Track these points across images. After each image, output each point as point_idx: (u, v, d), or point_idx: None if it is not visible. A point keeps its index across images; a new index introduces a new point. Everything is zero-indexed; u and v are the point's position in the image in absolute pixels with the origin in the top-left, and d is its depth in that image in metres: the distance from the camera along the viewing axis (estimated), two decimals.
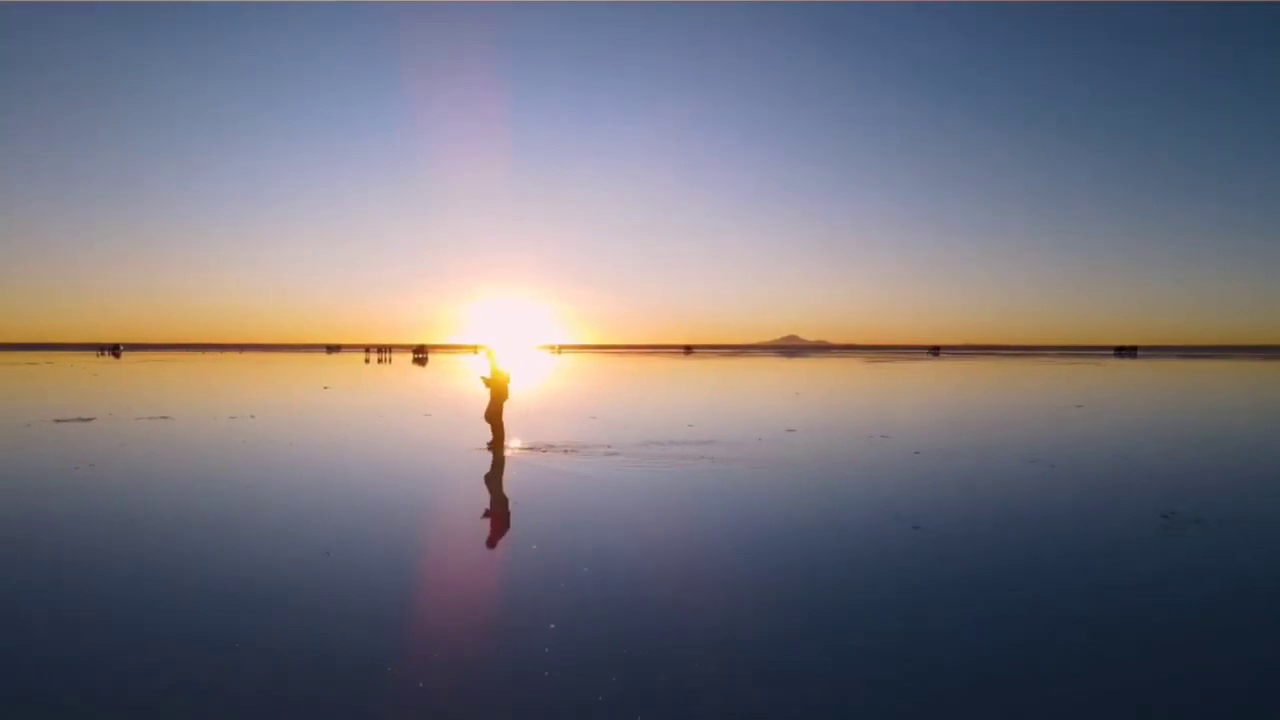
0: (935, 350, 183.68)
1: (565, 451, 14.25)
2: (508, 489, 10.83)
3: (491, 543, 7.95)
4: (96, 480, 11.22)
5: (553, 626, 5.46)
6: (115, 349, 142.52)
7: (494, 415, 14.99)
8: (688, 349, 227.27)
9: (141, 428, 17.70)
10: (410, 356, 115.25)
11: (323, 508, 9.45)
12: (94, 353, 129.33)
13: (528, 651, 5.02)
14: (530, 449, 14.62)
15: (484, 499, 10.19)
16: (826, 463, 13.24)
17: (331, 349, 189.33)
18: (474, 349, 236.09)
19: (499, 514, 9.28)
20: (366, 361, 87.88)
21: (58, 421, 18.83)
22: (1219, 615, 5.78)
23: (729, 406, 25.64)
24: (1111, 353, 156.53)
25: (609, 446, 14.93)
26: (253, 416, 20.43)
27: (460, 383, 42.40)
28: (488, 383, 15.03)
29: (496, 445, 14.72)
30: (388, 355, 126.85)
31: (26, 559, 7.14)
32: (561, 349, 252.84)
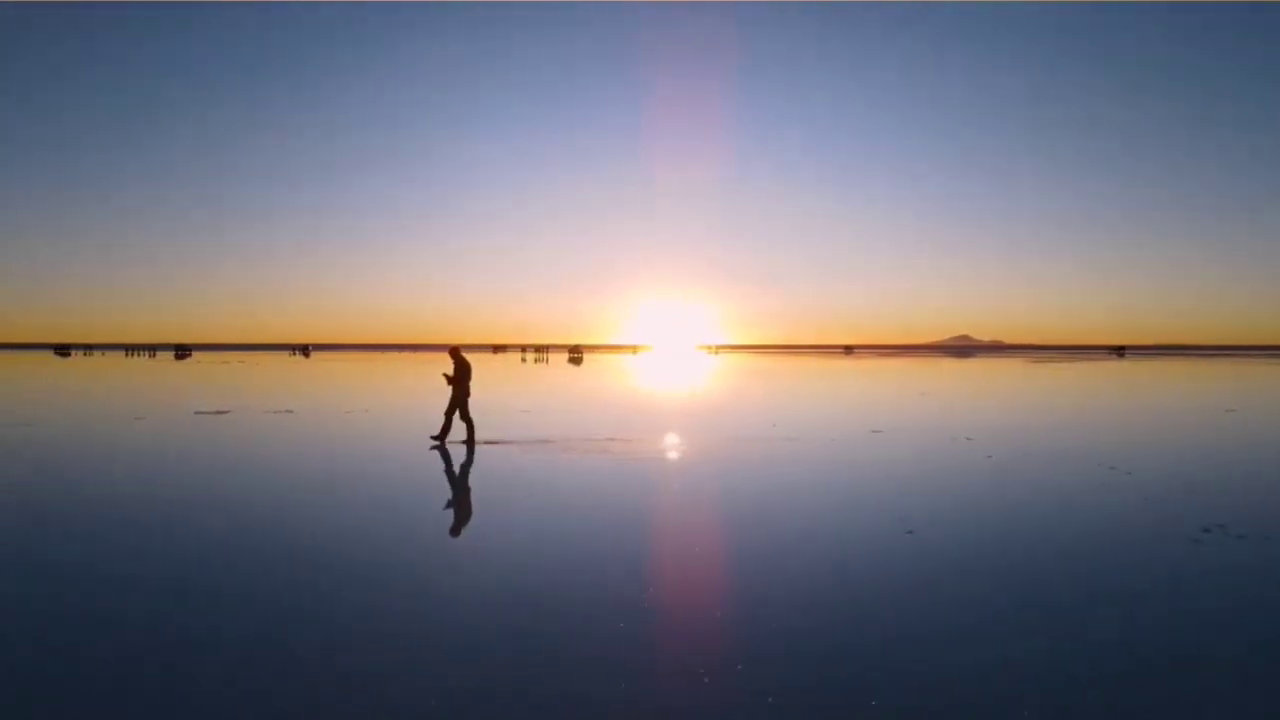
0: (1119, 351, 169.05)
1: (563, 446, 14.50)
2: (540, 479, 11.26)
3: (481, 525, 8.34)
4: (184, 465, 12.83)
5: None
6: (305, 349, 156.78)
7: (451, 411, 15.36)
8: (848, 349, 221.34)
9: (263, 420, 19.61)
10: (566, 356, 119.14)
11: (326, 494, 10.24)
12: (288, 353, 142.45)
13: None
14: (536, 442, 15.15)
15: (492, 491, 10.64)
16: (851, 462, 12.85)
17: (498, 349, 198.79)
18: (633, 349, 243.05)
19: (462, 501, 9.70)
20: (523, 361, 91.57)
21: (197, 414, 21.10)
22: None
23: (832, 406, 25.02)
24: None
25: (634, 441, 15.03)
26: (366, 411, 22.01)
27: (598, 381, 43.59)
28: (450, 380, 15.44)
29: (470, 437, 15.15)
30: (545, 355, 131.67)
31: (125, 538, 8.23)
32: (718, 349, 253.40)
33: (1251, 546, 7.51)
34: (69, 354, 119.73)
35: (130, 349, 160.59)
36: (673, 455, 13.83)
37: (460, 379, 15.33)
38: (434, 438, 15.38)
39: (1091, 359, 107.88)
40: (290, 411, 21.28)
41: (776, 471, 12.15)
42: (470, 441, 15.00)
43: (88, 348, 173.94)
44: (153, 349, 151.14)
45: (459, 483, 11.19)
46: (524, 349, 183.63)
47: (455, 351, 15.91)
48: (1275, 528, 8.31)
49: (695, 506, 9.61)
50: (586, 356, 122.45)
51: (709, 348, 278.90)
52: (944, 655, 4.87)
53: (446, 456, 13.53)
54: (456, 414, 15.32)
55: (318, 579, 6.40)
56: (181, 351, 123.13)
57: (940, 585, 6.33)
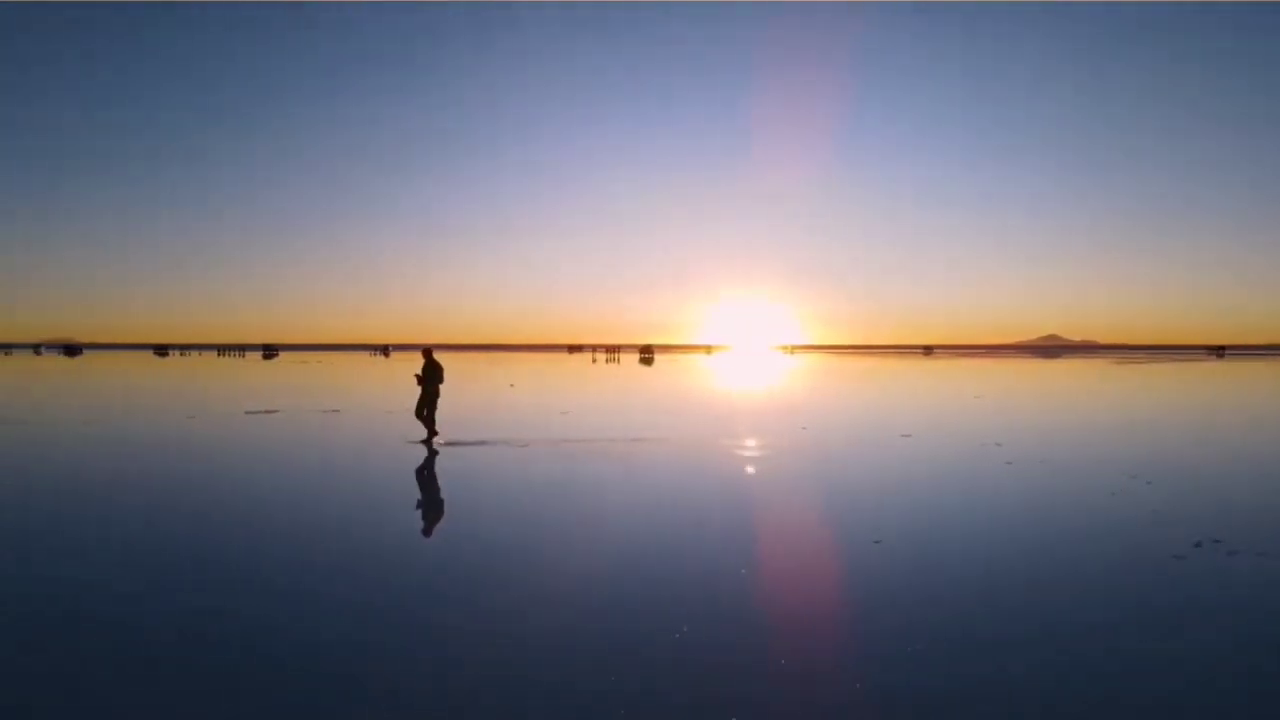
0: (1219, 351, 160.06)
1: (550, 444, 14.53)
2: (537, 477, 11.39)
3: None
4: (197, 464, 13.58)
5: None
6: (386, 350, 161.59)
7: (421, 409, 15.76)
8: (927, 349, 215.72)
9: (306, 419, 20.37)
10: (638, 356, 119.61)
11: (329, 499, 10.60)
12: (369, 353, 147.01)
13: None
14: (503, 442, 15.21)
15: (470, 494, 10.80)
16: (847, 466, 12.53)
17: (573, 349, 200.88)
18: (708, 349, 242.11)
19: (434, 500, 9.85)
20: (593, 361, 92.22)
21: (247, 413, 22.02)
22: None
23: (874, 408, 24.49)
24: None
25: (636, 439, 14.98)
26: (407, 410, 22.52)
27: (655, 380, 43.71)
28: (420, 380, 15.79)
29: (429, 437, 15.57)
30: (616, 355, 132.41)
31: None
32: (794, 350, 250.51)
33: (1238, 563, 7.06)
34: (167, 354, 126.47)
35: (222, 349, 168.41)
36: (660, 455, 13.80)
37: (429, 379, 15.73)
38: (425, 441, 15.64)
39: (1186, 359, 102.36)
40: (336, 411, 22.00)
41: (772, 472, 12.04)
42: (429, 440, 15.48)
43: (184, 348, 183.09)
44: (243, 349, 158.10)
45: (428, 484, 11.45)
46: (594, 349, 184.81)
47: (428, 353, 16.44)
48: (1268, 544, 7.79)
49: (639, 508, 9.58)
50: (660, 357, 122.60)
51: (786, 348, 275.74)
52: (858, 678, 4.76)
53: (430, 458, 13.91)
54: (432, 411, 15.79)
55: (302, 579, 6.67)
56: (269, 352, 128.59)
57: (895, 595, 6.17)
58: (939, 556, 7.40)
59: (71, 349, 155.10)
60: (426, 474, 12.27)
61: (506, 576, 6.77)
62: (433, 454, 14.13)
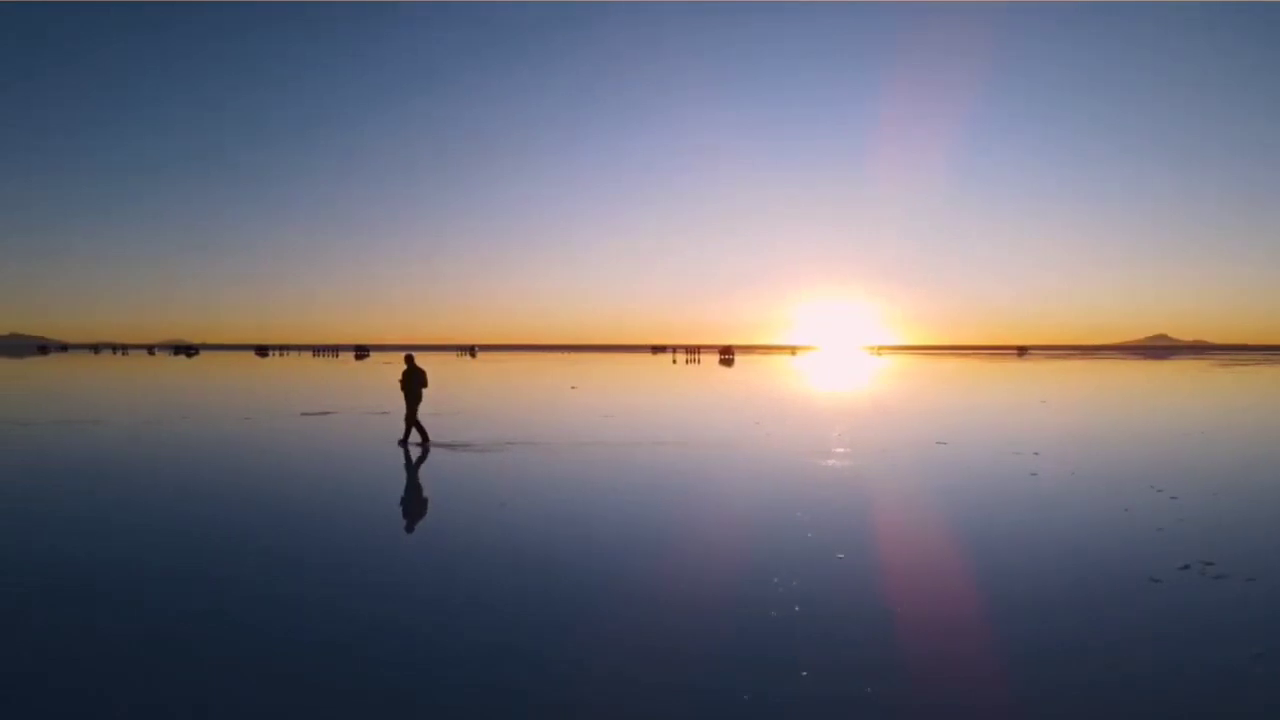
0: None
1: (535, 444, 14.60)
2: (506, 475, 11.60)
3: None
4: (222, 465, 14.50)
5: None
6: (472, 350, 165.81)
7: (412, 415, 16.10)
8: (1021, 350, 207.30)
9: (354, 421, 21.14)
10: (718, 357, 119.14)
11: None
12: (456, 353, 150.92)
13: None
14: (499, 443, 15.24)
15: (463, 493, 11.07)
16: (868, 477, 12.22)
17: (656, 350, 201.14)
18: (793, 350, 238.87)
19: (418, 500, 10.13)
20: (674, 362, 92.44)
21: (302, 415, 22.96)
22: None
23: (923, 413, 23.79)
24: None
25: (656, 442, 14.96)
26: (456, 414, 23.10)
27: (736, 382, 43.56)
28: (402, 384, 16.08)
29: (405, 439, 15.99)
30: (696, 356, 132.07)
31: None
32: (881, 350, 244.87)
33: (1219, 588, 6.66)
34: (267, 354, 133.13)
35: (317, 350, 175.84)
36: (667, 456, 13.81)
37: (409, 384, 16.06)
38: (420, 444, 15.98)
39: None
40: (385, 413, 22.70)
41: (766, 479, 11.92)
42: (404, 442, 15.91)
43: (283, 349, 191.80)
44: (336, 349, 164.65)
45: (425, 485, 11.78)
46: (674, 350, 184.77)
47: (409, 359, 16.87)
48: (1263, 567, 7.30)
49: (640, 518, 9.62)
50: (743, 358, 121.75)
51: (872, 348, 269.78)
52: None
53: (410, 458, 14.37)
54: (412, 414, 16.08)
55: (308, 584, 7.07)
56: (360, 352, 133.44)
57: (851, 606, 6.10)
58: (902, 571, 7.23)
59: (189, 350, 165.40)
60: (409, 476, 12.82)
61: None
62: (408, 454, 14.78)
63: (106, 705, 4.54)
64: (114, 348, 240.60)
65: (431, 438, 16.01)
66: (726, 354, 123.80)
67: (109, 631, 5.70)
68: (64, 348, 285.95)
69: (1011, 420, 22.12)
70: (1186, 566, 7.33)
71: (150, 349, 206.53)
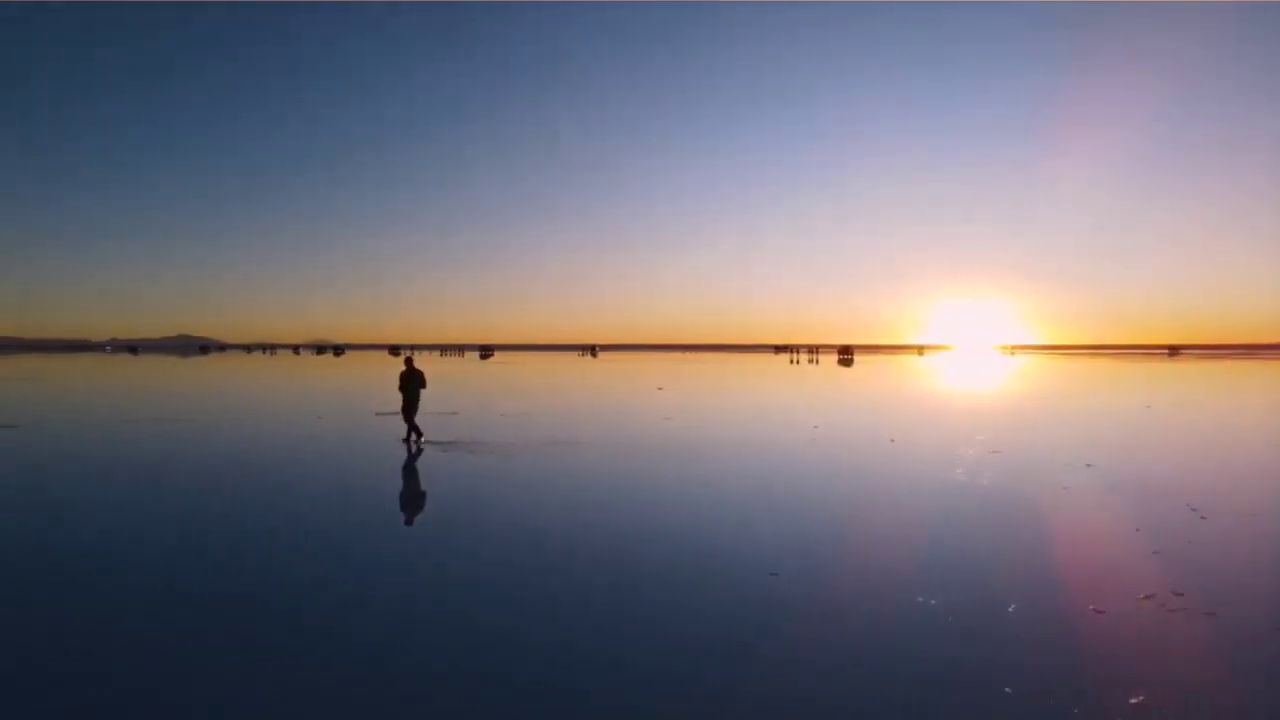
0: None
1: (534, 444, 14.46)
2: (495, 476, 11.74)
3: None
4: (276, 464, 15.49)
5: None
6: (593, 349, 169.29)
7: (410, 415, 16.54)
8: (1173, 350, 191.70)
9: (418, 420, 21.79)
10: (835, 357, 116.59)
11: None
12: (577, 353, 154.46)
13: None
14: (550, 442, 15.16)
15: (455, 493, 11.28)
16: (870, 476, 11.56)
17: (779, 349, 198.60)
18: (919, 350, 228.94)
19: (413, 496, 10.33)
20: (792, 362, 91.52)
21: (377, 414, 23.34)
22: None
23: (987, 414, 22.37)
24: None
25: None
26: (524, 414, 23.52)
27: (844, 383, 42.58)
28: (400, 386, 16.54)
29: (407, 437, 16.46)
30: (815, 356, 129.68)
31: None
32: (1015, 350, 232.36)
33: (1194, 620, 5.97)
34: (399, 353, 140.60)
35: (444, 349, 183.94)
36: (670, 460, 13.55)
37: (408, 385, 16.51)
38: (416, 442, 16.37)
39: None
40: (455, 414, 23.38)
41: (762, 474, 11.52)
42: (407, 440, 16.42)
43: (414, 348, 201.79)
44: (461, 349, 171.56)
45: (399, 485, 12.07)
46: (793, 350, 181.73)
47: (408, 361, 17.35)
48: (1233, 600, 6.47)
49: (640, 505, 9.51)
50: (865, 358, 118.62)
51: (1006, 348, 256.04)
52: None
53: (413, 459, 14.68)
54: (410, 415, 16.59)
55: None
56: (485, 352, 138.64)
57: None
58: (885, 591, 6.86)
59: (336, 349, 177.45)
60: (410, 474, 13.25)
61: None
62: (413, 453, 15.21)
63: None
64: (264, 348, 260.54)
65: (470, 438, 16.51)
66: (845, 353, 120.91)
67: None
68: (222, 348, 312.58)
69: (1083, 427, 20.53)
70: (1150, 597, 6.60)
71: (295, 349, 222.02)
